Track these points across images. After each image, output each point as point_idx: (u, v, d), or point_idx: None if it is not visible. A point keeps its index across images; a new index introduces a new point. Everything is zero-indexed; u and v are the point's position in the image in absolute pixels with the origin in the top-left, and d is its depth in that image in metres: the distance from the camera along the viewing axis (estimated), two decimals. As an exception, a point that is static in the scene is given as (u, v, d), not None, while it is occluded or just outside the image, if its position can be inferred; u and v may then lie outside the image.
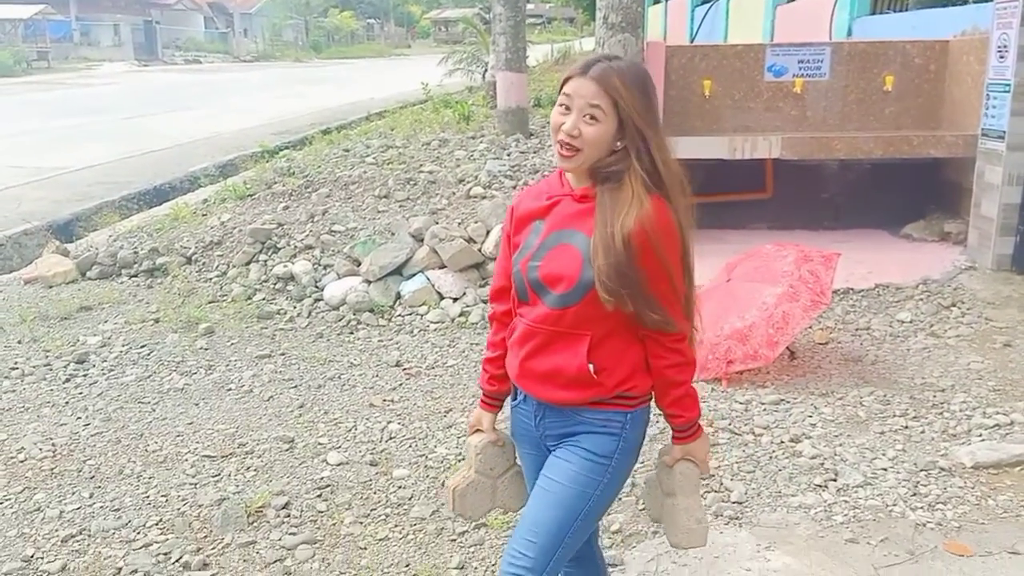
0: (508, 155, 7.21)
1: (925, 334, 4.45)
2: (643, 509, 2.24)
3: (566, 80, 1.82)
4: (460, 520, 2.87)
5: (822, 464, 3.23)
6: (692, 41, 14.62)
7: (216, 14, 51.49)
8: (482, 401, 2.06)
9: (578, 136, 1.75)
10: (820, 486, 3.08)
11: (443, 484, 3.11)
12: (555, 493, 1.83)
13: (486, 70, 12.86)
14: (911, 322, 4.56)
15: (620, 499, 3.07)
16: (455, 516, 2.13)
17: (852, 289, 4.92)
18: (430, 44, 51.64)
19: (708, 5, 14.45)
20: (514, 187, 6.21)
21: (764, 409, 3.72)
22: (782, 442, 3.42)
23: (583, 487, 1.84)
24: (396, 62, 38.44)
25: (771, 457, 3.32)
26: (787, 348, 4.09)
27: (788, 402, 3.78)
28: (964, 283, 4.96)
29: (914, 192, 6.20)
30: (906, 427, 3.49)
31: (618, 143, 1.77)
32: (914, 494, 3.00)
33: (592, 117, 1.75)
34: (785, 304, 3.94)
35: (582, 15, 31.14)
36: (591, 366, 1.80)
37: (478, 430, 2.07)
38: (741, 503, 3.00)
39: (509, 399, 2.01)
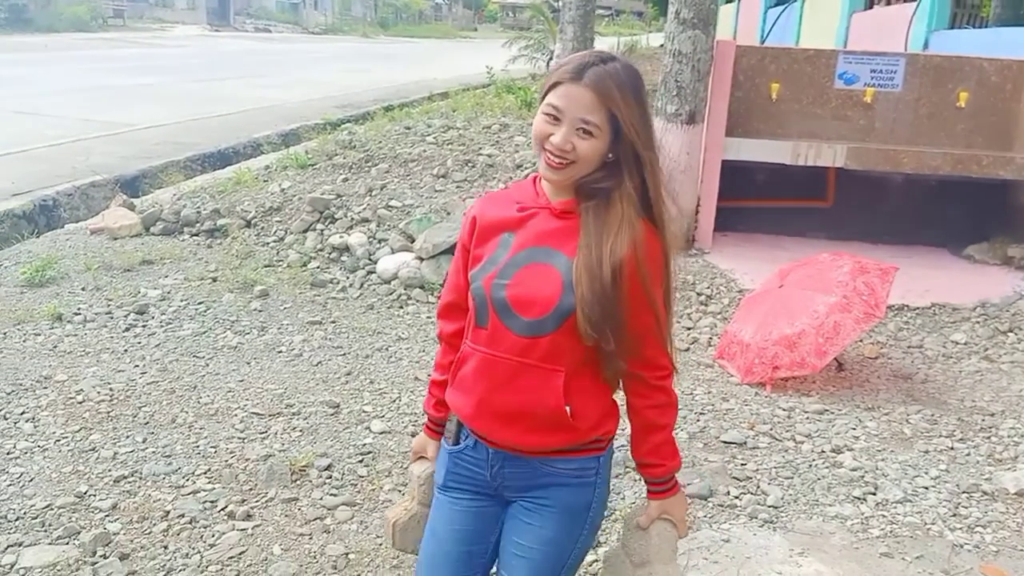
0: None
1: (979, 357, 4.38)
2: None
3: (554, 85, 1.57)
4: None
5: (862, 477, 3.21)
6: (762, 43, 14.42)
7: (289, -16, 52.07)
8: (426, 427, 1.87)
9: (571, 151, 1.54)
10: (859, 498, 3.07)
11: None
12: (533, 560, 1.66)
13: (551, 58, 12.87)
14: (965, 344, 4.49)
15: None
16: (394, 548, 1.94)
17: (907, 306, 4.85)
18: (496, 29, 51.65)
19: (782, 8, 14.24)
20: (572, 176, 6.22)
21: (807, 417, 3.71)
22: (823, 452, 3.41)
23: (561, 548, 1.67)
24: (461, 44, 38.50)
25: (811, 465, 3.31)
26: (835, 359, 4.07)
27: (832, 413, 3.75)
28: (1023, 309, 4.86)
29: (979, 213, 6.08)
30: (951, 448, 3.45)
31: (609, 155, 1.57)
32: (954, 515, 2.97)
33: (586, 132, 1.54)
34: (837, 314, 3.91)
35: (651, 9, 30.90)
36: (568, 408, 1.59)
37: (422, 457, 1.90)
38: (777, 507, 3.01)
39: (444, 442, 1.78)
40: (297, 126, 10.86)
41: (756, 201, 6.24)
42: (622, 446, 2.72)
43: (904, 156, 5.71)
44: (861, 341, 4.42)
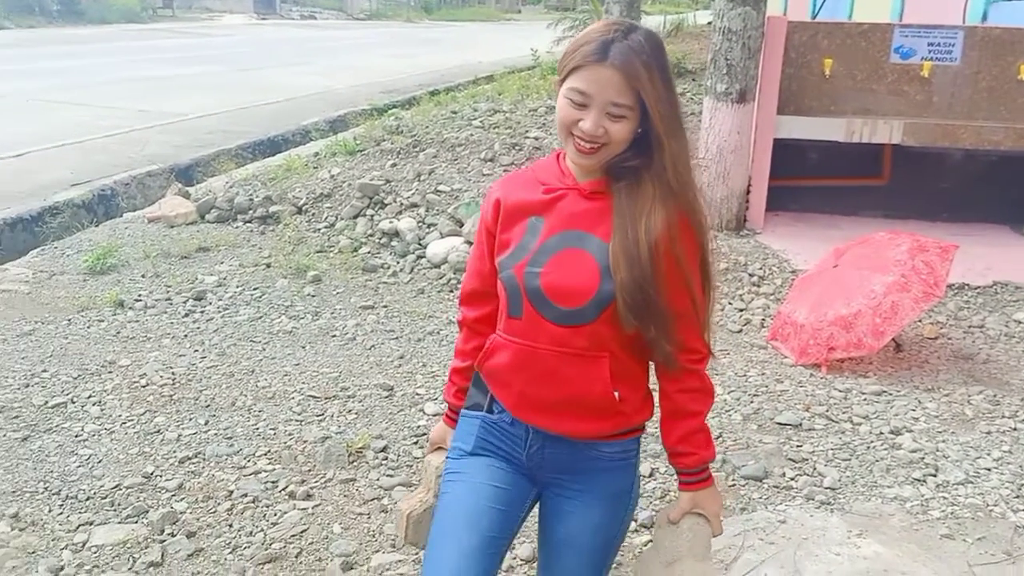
0: (615, 126, 7.17)
1: (1042, 336, 4.27)
2: None
3: (576, 68, 1.48)
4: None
5: (922, 459, 3.17)
6: (814, 18, 14.11)
7: (333, -29, 52.35)
8: (447, 416, 1.81)
9: (603, 135, 1.48)
10: (919, 480, 3.03)
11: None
12: (582, 547, 1.62)
13: (596, 39, 12.75)
14: (1028, 323, 4.38)
15: (710, 473, 3.09)
16: (405, 543, 1.86)
17: (968, 285, 4.74)
18: (540, 10, 51.30)
19: (833, -19, 13.89)
20: (620, 158, 6.18)
21: (864, 399, 3.66)
22: (881, 433, 3.36)
23: (609, 532, 1.65)
24: (505, 27, 38.38)
25: (868, 447, 3.27)
26: (893, 339, 4.00)
27: (890, 394, 3.70)
28: (1089, 287, 4.73)
29: (1042, 188, 5.91)
30: (1014, 429, 3.38)
31: (638, 130, 1.50)
32: (1017, 496, 2.92)
33: (617, 116, 1.47)
34: (895, 294, 3.84)
35: (698, -13, 30.37)
36: (616, 393, 1.55)
37: (439, 448, 1.82)
38: (834, 489, 2.98)
39: (480, 409, 1.68)
40: (344, 112, 10.95)
41: (809, 180, 6.13)
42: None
43: (963, 131, 5.56)
44: (920, 321, 4.33)
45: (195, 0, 38.19)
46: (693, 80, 9.49)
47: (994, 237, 5.62)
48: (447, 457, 1.72)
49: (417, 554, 2.60)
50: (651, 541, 1.75)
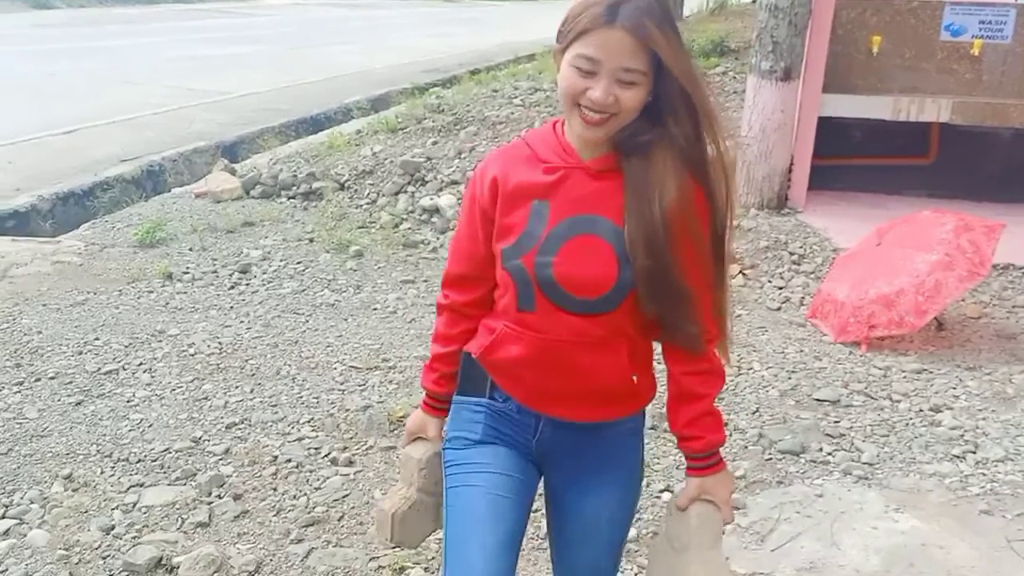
0: (657, 104, 7.12)
1: (1089, 318, 4.19)
2: None
3: (581, 33, 1.37)
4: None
5: (962, 436, 3.15)
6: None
7: (374, -49, 52.38)
8: (425, 404, 1.70)
9: (613, 103, 1.37)
10: (958, 457, 3.02)
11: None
12: (603, 528, 1.59)
13: (639, 17, 12.62)
14: (1074, 304, 4.31)
15: (747, 448, 3.11)
16: (391, 544, 1.76)
17: (1013, 265, 4.66)
18: (581, -11, 50.71)
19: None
20: (661, 136, 6.15)
21: (904, 377, 3.63)
22: (921, 410, 3.34)
23: (627, 508, 1.63)
24: (545, 6, 38.13)
25: (907, 424, 3.25)
26: (935, 318, 3.96)
27: (931, 372, 3.67)
28: None
29: (1094, 168, 5.76)
30: (1058, 409, 3.34)
31: (648, 97, 1.39)
32: (1059, 475, 2.90)
33: (629, 82, 1.36)
34: (939, 272, 3.80)
35: (742, -36, 29.86)
36: (634, 377, 1.51)
37: (419, 438, 1.72)
38: (872, 464, 2.98)
39: (481, 395, 1.59)
40: (385, 91, 11.00)
41: (853, 159, 6.05)
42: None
43: (1013, 110, 5.45)
44: (963, 301, 4.28)
45: (239, -20, 38.48)
46: (736, 59, 9.36)
47: (1042, 218, 5.49)
48: (447, 448, 1.63)
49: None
50: (661, 528, 1.66)
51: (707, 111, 1.41)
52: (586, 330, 1.45)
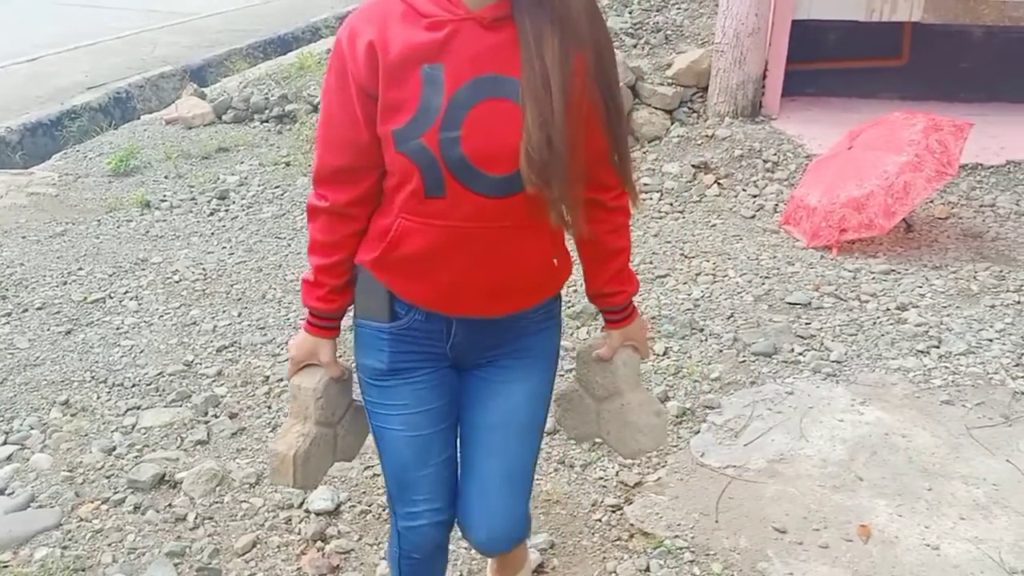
0: (630, 12, 7.03)
1: (1053, 213, 4.31)
2: (566, 435, 1.80)
3: None
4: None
5: (926, 332, 3.28)
6: None
7: None
8: (312, 326, 1.51)
9: None
10: (922, 352, 3.15)
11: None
12: (521, 417, 1.52)
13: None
14: (1040, 201, 4.42)
15: (721, 351, 3.23)
16: (293, 488, 1.60)
17: (981, 164, 4.75)
18: None
19: None
20: (635, 45, 6.12)
21: (873, 278, 3.75)
22: (888, 309, 3.47)
23: (544, 394, 1.57)
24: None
25: (875, 323, 3.38)
26: (903, 220, 4.06)
27: (899, 272, 3.79)
28: (1105, 164, 4.72)
29: (1064, 65, 5.80)
30: (1018, 302, 3.47)
31: None
32: (1017, 364, 3.04)
33: None
34: (908, 174, 3.88)
35: None
36: (555, 260, 1.44)
37: (310, 365, 1.54)
38: (840, 362, 3.11)
39: (381, 318, 1.46)
40: (355, 7, 10.74)
41: (827, 63, 6.05)
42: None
43: (984, 7, 5.43)
44: (931, 201, 4.38)
45: None
46: (710, -38, 9.23)
47: (1012, 116, 5.55)
48: (361, 373, 1.54)
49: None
50: (574, 378, 1.69)
51: None
52: (504, 214, 1.32)
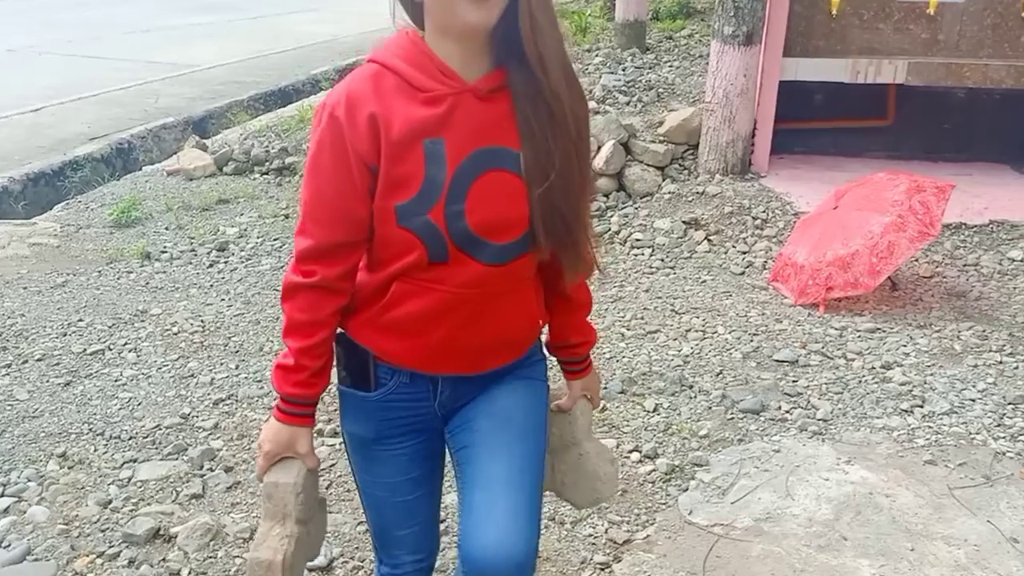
0: (624, 70, 7.22)
1: (1035, 273, 4.41)
2: None
3: None
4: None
5: (911, 391, 3.35)
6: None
7: (336, -89, 51.38)
8: (290, 415, 1.42)
9: None
10: (906, 411, 3.21)
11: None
12: (517, 425, 1.45)
13: (605, -21, 12.63)
14: (1022, 261, 4.51)
15: (711, 408, 3.29)
16: None
17: (965, 224, 4.86)
18: (548, -53, 50.00)
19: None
20: (628, 103, 6.27)
21: (859, 336, 3.83)
22: (873, 368, 3.54)
23: (536, 409, 1.50)
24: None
25: (860, 381, 3.45)
26: (889, 278, 4.15)
27: (884, 331, 3.87)
28: (1085, 224, 4.84)
29: (1045, 126, 5.96)
30: (1000, 362, 3.55)
31: None
32: (998, 425, 3.10)
33: None
34: (892, 234, 3.97)
35: (709, -80, 29.61)
36: (541, 321, 1.51)
37: (285, 458, 1.44)
38: (826, 421, 3.17)
39: (366, 387, 1.45)
40: (353, 61, 10.95)
41: (814, 122, 6.21)
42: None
43: (967, 70, 5.61)
44: (916, 260, 4.48)
45: (199, -56, 37.58)
46: (702, 20, 9.46)
47: (994, 176, 5.70)
48: (351, 444, 1.53)
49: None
50: None
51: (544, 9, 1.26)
52: (500, 278, 1.35)
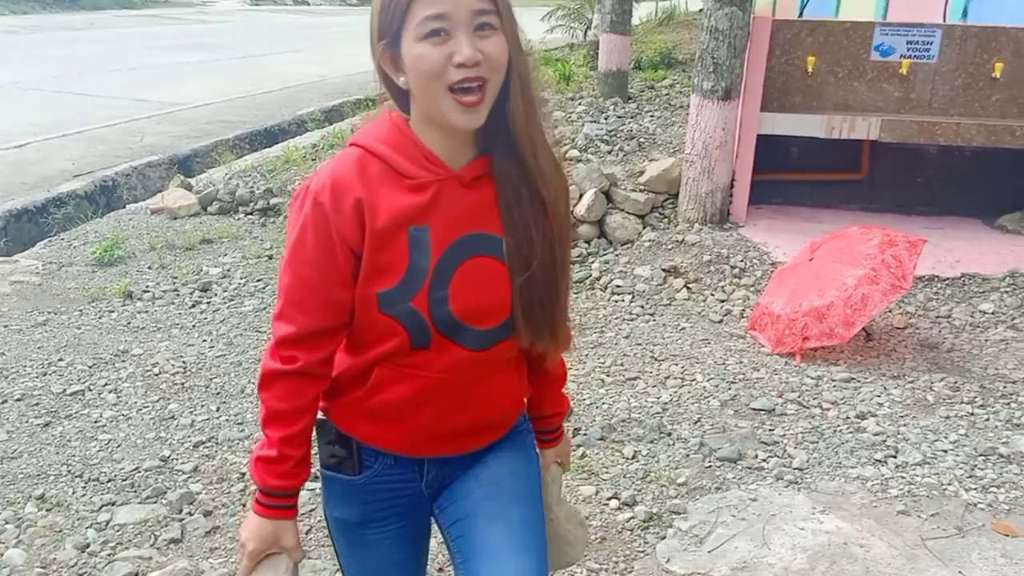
0: (606, 119, 7.37)
1: (1005, 327, 4.50)
2: None
3: None
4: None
5: (884, 441, 3.41)
6: (803, 8, 14.30)
7: (325, -45, 52.22)
8: (273, 508, 1.36)
9: (483, 61, 1.19)
10: (880, 461, 3.27)
11: None
12: (510, 491, 1.43)
13: (588, 27, 12.91)
14: (993, 313, 4.62)
15: (688, 456, 3.33)
16: None
17: (938, 276, 4.98)
18: (532, -6, 50.98)
19: (821, -28, 14.09)
20: (609, 152, 6.39)
21: (834, 385, 3.90)
22: (848, 418, 3.60)
23: (533, 479, 1.49)
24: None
25: (835, 431, 3.51)
26: (863, 329, 4.23)
27: (859, 381, 3.94)
28: (1053, 279, 4.96)
29: (1014, 182, 6.13)
30: (972, 414, 3.62)
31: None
32: (970, 476, 3.16)
33: (488, 25, 1.20)
34: (865, 286, 4.07)
35: (690, -28, 30.37)
36: (525, 399, 1.51)
37: (271, 555, 1.38)
38: (801, 470, 3.22)
39: (349, 472, 1.41)
40: (340, 102, 11.10)
41: (790, 174, 6.35)
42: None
43: (938, 127, 5.78)
44: (890, 311, 4.57)
45: (188, -16, 38.01)
46: (683, 71, 9.68)
47: (965, 230, 5.85)
48: (335, 527, 1.50)
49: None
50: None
51: (525, 81, 1.27)
52: (485, 362, 1.35)
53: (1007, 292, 4.84)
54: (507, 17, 1.22)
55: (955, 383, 3.89)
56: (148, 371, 3.95)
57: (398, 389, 1.34)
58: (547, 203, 1.31)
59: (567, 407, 1.65)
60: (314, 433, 1.42)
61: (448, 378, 1.34)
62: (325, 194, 1.25)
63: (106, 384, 3.83)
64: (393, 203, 1.25)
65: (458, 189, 1.28)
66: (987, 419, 3.58)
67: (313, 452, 1.42)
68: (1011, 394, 3.80)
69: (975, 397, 3.76)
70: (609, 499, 3.06)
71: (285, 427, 1.33)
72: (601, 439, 3.43)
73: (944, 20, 8.24)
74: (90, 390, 3.77)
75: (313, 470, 1.43)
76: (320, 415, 1.41)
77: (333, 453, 1.43)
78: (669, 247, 5.32)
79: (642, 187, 5.78)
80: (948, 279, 4.96)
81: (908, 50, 6.23)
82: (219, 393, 3.78)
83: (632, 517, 2.95)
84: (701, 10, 6.26)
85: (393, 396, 1.34)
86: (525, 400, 1.55)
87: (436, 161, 1.28)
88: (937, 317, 4.62)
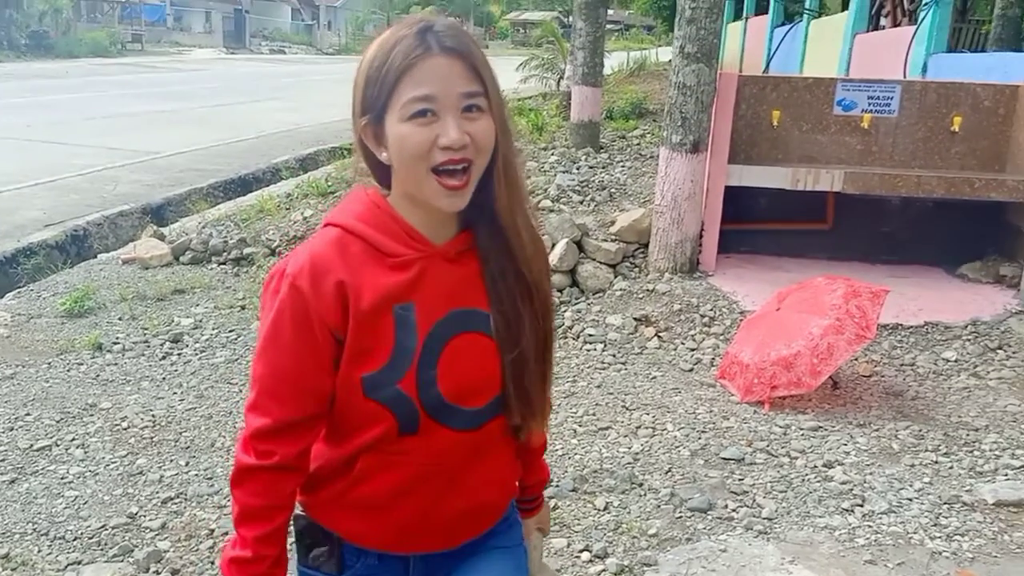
0: (578, 169, 7.49)
1: (968, 374, 4.60)
2: None
3: (401, 75, 1.15)
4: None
5: (851, 490, 3.45)
6: (768, 62, 14.70)
7: (303, 6, 53.03)
8: None
9: (470, 143, 1.17)
10: (847, 510, 3.31)
11: None
12: None
13: (561, 77, 13.16)
14: (956, 361, 4.72)
15: (659, 507, 3.35)
16: None
17: (901, 325, 5.08)
18: (507, 46, 52.05)
19: (787, 27, 14.52)
20: (581, 202, 6.49)
21: (802, 434, 3.95)
22: (815, 467, 3.65)
23: (519, 569, 1.46)
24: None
25: (803, 480, 3.55)
26: (830, 378, 4.30)
27: (826, 429, 3.99)
28: (1013, 327, 5.08)
29: (974, 232, 6.29)
30: (936, 462, 3.68)
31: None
32: (935, 524, 3.21)
33: (476, 107, 1.17)
34: (831, 336, 4.15)
35: (661, 24, 31.17)
36: (517, 483, 1.47)
37: None
38: (771, 519, 3.25)
39: (331, 571, 1.34)
40: (315, 150, 11.20)
41: (758, 224, 6.48)
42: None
43: (900, 180, 5.94)
44: (856, 360, 4.65)
45: (164, 34, 38.37)
46: (653, 121, 9.89)
47: (929, 278, 5.98)
48: None
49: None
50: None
51: (509, 162, 1.25)
52: (476, 445, 1.30)
53: (969, 340, 4.94)
54: (495, 98, 1.20)
55: (919, 431, 3.96)
56: (116, 425, 3.92)
57: (384, 478, 1.27)
58: (530, 283, 1.30)
59: (547, 476, 1.61)
60: (291, 528, 1.33)
61: (437, 463, 1.28)
62: (303, 277, 1.20)
63: (73, 439, 3.78)
64: (377, 283, 1.20)
65: (443, 265, 1.25)
66: (951, 467, 3.64)
67: (289, 547, 1.34)
68: (974, 442, 3.87)
69: (939, 445, 3.83)
70: (581, 551, 3.06)
71: (260, 526, 1.25)
72: (573, 490, 3.45)
73: (904, 76, 8.54)
74: (57, 445, 3.73)
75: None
76: (298, 509, 1.34)
77: (313, 551, 1.34)
78: (640, 296, 5.39)
79: (613, 237, 5.87)
80: (912, 327, 5.06)
81: (869, 105, 6.43)
82: (188, 447, 3.75)
83: (604, 570, 2.95)
84: (670, 61, 6.41)
85: (379, 486, 1.27)
86: (518, 484, 1.49)
87: (419, 238, 1.24)
88: (902, 365, 4.70)
